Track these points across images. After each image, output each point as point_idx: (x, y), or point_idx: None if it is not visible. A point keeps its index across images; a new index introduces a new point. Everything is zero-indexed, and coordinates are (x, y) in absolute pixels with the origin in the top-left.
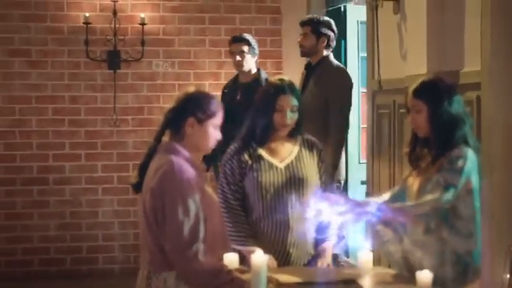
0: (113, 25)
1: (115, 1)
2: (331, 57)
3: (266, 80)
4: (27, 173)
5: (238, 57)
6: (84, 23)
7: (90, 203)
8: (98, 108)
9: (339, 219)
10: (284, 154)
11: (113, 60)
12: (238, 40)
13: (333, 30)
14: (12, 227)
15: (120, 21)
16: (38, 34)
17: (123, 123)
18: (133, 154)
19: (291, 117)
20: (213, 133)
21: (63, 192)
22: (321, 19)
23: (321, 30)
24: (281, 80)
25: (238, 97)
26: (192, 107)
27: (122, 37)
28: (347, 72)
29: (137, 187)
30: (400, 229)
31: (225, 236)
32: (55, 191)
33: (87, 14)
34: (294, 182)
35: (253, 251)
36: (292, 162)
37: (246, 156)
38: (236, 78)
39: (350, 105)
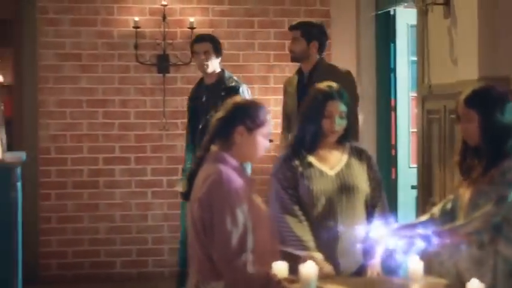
0: (162, 29)
1: (164, 5)
2: (326, 59)
3: (230, 78)
4: (77, 176)
5: (202, 57)
6: (133, 27)
7: (140, 207)
8: (148, 112)
9: (389, 244)
10: (333, 161)
11: (162, 64)
12: (202, 40)
13: (324, 34)
14: (63, 230)
15: (170, 25)
16: (88, 38)
17: (173, 127)
18: (182, 158)
19: (340, 124)
20: (262, 142)
21: (113, 195)
22: (311, 22)
23: (312, 34)
24: (329, 86)
25: (203, 99)
26: (241, 115)
27: (171, 41)
28: (349, 70)
29: (186, 196)
30: (454, 248)
31: (273, 245)
32: (105, 194)
33: (136, 19)
34: (344, 190)
35: (313, 257)
36: (342, 169)
37: (297, 163)
38: (201, 81)
39: (358, 101)
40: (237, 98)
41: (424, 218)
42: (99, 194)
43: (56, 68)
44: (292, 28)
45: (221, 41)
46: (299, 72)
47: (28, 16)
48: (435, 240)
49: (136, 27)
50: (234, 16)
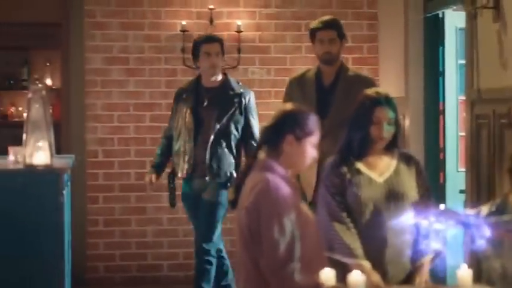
0: (209, 32)
1: (212, 9)
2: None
3: (239, 84)
4: (125, 179)
5: (215, 59)
6: (181, 30)
7: None
8: None
9: (436, 230)
10: (382, 168)
11: None
12: (214, 40)
13: None
14: (111, 233)
15: (217, 29)
16: (135, 42)
17: None
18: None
19: (388, 130)
20: (310, 151)
21: (160, 198)
22: (338, 21)
23: (343, 33)
24: (377, 92)
25: (205, 104)
26: (290, 124)
27: None
28: (372, 78)
29: (233, 204)
30: (498, 245)
31: (321, 253)
32: (152, 198)
33: (184, 22)
34: (393, 197)
35: (361, 265)
36: (391, 176)
37: (345, 170)
38: (197, 82)
39: None
40: (286, 106)
41: (471, 211)
42: (147, 197)
43: (103, 72)
44: (328, 28)
45: (268, 44)
46: (317, 73)
47: (76, 20)
48: (477, 230)
49: (183, 30)
50: (281, 19)
